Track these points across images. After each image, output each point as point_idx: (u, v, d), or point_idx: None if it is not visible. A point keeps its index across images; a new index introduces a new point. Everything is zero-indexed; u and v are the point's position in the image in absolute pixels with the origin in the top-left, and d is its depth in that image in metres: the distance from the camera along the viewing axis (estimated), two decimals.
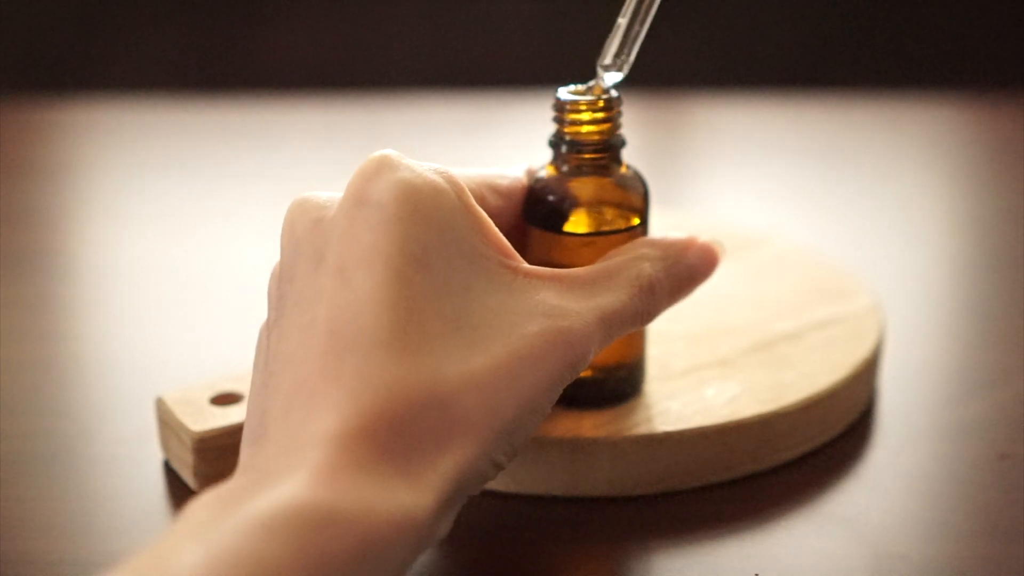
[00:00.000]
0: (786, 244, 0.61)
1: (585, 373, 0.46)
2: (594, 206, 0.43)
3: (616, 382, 0.46)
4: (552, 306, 0.37)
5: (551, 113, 0.44)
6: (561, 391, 0.37)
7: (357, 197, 0.36)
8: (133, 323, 0.59)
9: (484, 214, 0.38)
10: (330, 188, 0.40)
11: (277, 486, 0.31)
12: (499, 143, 0.80)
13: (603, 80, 0.43)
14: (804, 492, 0.46)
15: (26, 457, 0.48)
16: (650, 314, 0.41)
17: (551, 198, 0.44)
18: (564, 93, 0.43)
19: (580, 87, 0.44)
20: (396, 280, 0.35)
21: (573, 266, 0.43)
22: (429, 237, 0.36)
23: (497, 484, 0.45)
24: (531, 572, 0.42)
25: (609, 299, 0.38)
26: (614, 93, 0.43)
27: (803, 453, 0.48)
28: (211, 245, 0.67)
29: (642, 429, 0.45)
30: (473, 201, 0.38)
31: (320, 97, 0.89)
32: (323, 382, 0.33)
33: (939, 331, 0.59)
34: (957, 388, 0.53)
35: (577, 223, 0.44)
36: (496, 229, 0.38)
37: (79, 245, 0.69)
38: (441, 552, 0.42)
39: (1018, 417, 0.51)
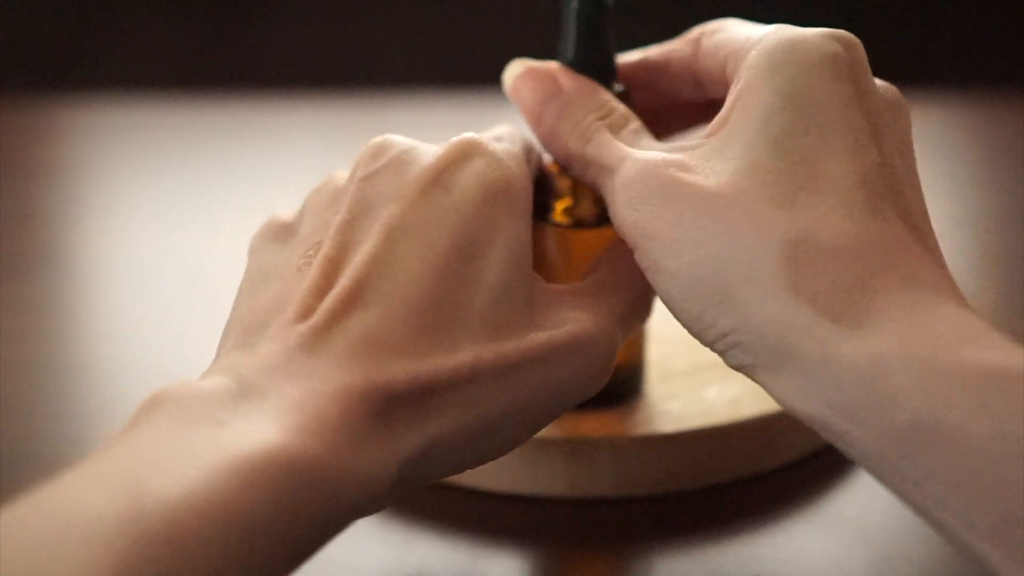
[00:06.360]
0: None
1: None
2: (598, 202, 0.43)
3: (616, 384, 0.46)
4: (575, 316, 0.36)
5: None
6: (579, 396, 0.37)
7: (435, 178, 0.36)
8: (133, 324, 0.59)
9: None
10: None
11: (263, 420, 0.30)
12: None
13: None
14: (805, 493, 0.46)
15: (24, 458, 0.48)
16: (650, 308, 0.41)
17: (554, 194, 0.44)
18: None
19: None
20: (441, 263, 0.34)
21: (577, 260, 0.43)
22: (487, 232, 0.36)
23: (497, 485, 0.45)
24: (531, 573, 0.42)
25: (617, 299, 0.38)
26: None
27: (804, 454, 0.48)
28: (211, 245, 0.67)
29: (643, 430, 0.45)
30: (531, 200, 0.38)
31: (320, 97, 0.89)
32: (334, 326, 0.33)
33: None
34: None
35: (581, 218, 0.44)
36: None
37: (79, 245, 0.69)
38: (439, 552, 0.42)
39: None
